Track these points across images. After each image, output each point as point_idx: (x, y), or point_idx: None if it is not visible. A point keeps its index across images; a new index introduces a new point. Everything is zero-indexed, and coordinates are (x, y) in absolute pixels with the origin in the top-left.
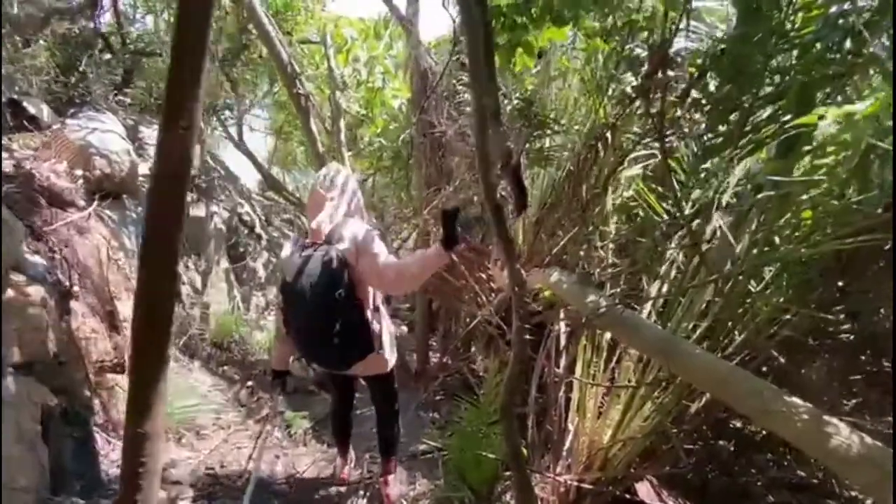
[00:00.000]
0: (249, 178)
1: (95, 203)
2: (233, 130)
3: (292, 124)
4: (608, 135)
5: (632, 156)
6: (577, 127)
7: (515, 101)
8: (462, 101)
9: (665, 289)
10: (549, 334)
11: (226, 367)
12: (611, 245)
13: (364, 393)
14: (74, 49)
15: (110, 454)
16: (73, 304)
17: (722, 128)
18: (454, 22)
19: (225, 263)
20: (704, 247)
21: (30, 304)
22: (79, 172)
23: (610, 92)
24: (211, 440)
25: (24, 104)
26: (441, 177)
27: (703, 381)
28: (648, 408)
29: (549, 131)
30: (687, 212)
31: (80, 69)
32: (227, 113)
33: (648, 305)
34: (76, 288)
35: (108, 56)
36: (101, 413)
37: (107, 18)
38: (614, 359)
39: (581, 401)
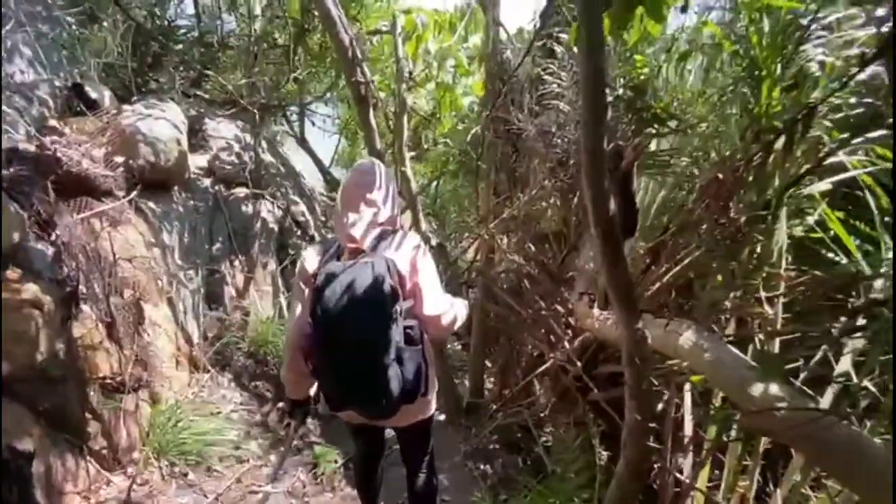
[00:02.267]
0: (315, 177)
1: (134, 193)
2: (296, 127)
3: (359, 123)
4: (799, 128)
5: (828, 161)
6: (705, 125)
7: (621, 90)
8: (546, 94)
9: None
10: (666, 414)
11: (258, 383)
12: (782, 297)
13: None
14: (146, 38)
15: (101, 490)
16: (83, 308)
17: None
18: None
19: (273, 265)
20: None
21: (18, 303)
22: (119, 159)
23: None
24: (222, 479)
25: (87, 88)
26: (513, 184)
27: None
28: None
29: (665, 129)
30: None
31: (151, 58)
32: (293, 108)
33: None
34: (83, 289)
35: (179, 47)
36: (101, 438)
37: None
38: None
39: None
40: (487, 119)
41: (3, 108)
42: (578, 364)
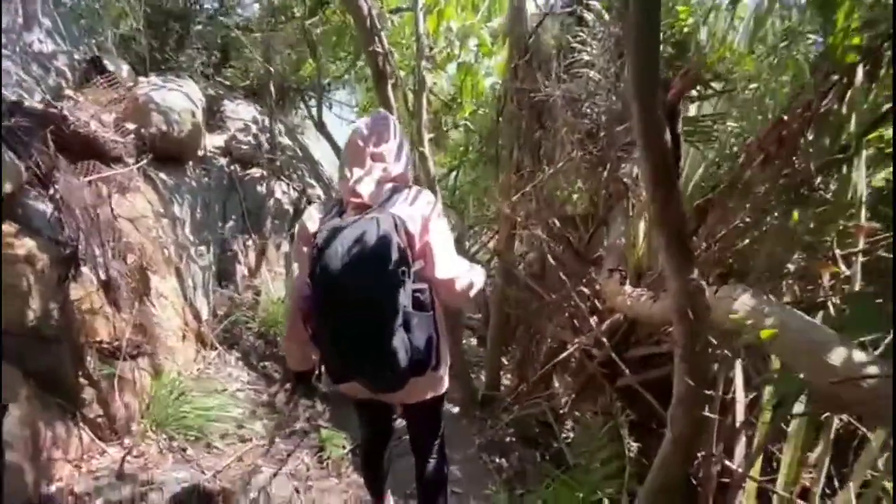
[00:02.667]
0: (333, 163)
1: (144, 161)
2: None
3: (377, 104)
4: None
5: None
6: (754, 87)
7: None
8: (575, 62)
9: None
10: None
11: (267, 363)
12: (860, 255)
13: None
14: (168, 16)
15: (93, 460)
16: (84, 270)
17: None
18: None
19: (286, 246)
20: None
21: (11, 258)
22: (130, 126)
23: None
24: (222, 457)
25: (105, 61)
26: (537, 159)
27: None
28: None
29: (709, 91)
30: None
31: (174, 37)
32: (311, 93)
33: None
34: (84, 249)
35: (199, 27)
36: (96, 406)
37: None
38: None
39: None
40: (510, 87)
41: (21, 74)
42: (607, 346)
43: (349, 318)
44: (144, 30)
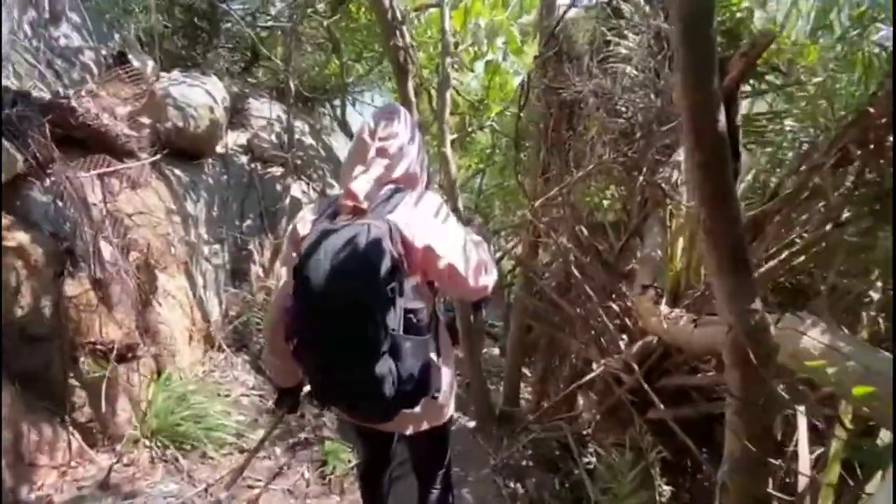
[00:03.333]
0: None
1: (158, 157)
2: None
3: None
4: None
5: None
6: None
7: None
8: (610, 56)
9: None
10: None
11: None
12: None
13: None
14: (197, 15)
15: (80, 468)
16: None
17: None
18: None
19: None
20: None
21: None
22: (145, 121)
23: None
24: (216, 468)
25: (129, 56)
26: (566, 161)
27: None
28: None
29: (764, 86)
30: None
31: (203, 35)
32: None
33: None
34: (83, 245)
35: (227, 26)
36: (88, 410)
37: None
38: None
39: None
40: (537, 83)
41: (42, 68)
42: (636, 372)
43: (330, 338)
44: (173, 27)
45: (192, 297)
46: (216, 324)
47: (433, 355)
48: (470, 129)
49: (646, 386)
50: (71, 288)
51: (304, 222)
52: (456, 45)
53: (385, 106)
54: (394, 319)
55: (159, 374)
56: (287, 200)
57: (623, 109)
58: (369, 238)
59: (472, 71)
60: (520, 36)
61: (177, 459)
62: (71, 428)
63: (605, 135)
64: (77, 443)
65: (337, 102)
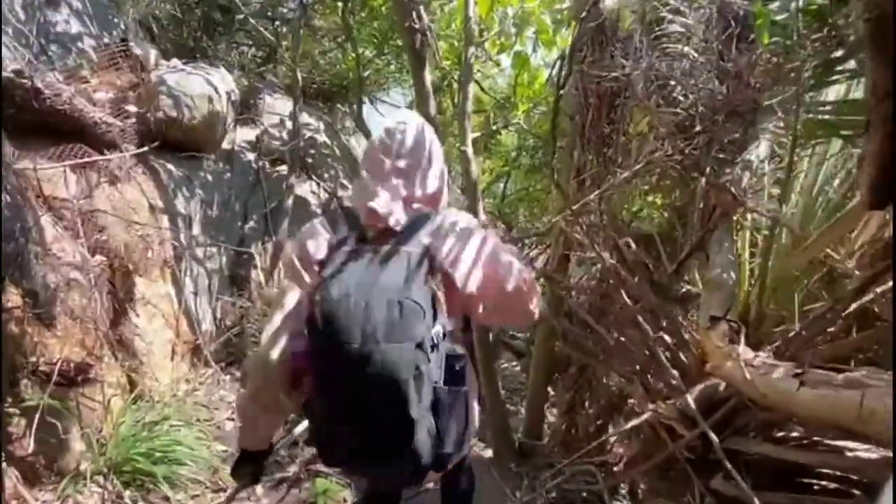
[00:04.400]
0: None
1: (146, 148)
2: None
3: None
4: None
5: None
6: None
7: None
8: (663, 36)
9: None
10: None
11: None
12: None
13: None
14: (212, 6)
15: None
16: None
17: None
18: None
19: None
20: None
21: None
22: (131, 108)
23: None
24: None
25: (131, 44)
26: (605, 161)
27: None
28: None
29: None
30: None
31: (217, 27)
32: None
33: None
34: (36, 248)
35: (241, 16)
36: (27, 443)
37: None
38: None
39: None
40: (574, 70)
41: (32, 53)
42: (703, 425)
43: (358, 395)
44: (186, 17)
45: (179, 305)
46: (206, 335)
47: (473, 402)
48: (494, 128)
49: (716, 445)
50: (14, 298)
51: (318, 243)
52: (481, 32)
53: (402, 120)
54: (435, 369)
55: (132, 394)
56: (294, 201)
57: (680, 98)
58: (407, 271)
59: (498, 65)
60: (552, 25)
61: (135, 502)
62: (6, 464)
63: (655, 128)
64: (12, 482)
65: (355, 99)
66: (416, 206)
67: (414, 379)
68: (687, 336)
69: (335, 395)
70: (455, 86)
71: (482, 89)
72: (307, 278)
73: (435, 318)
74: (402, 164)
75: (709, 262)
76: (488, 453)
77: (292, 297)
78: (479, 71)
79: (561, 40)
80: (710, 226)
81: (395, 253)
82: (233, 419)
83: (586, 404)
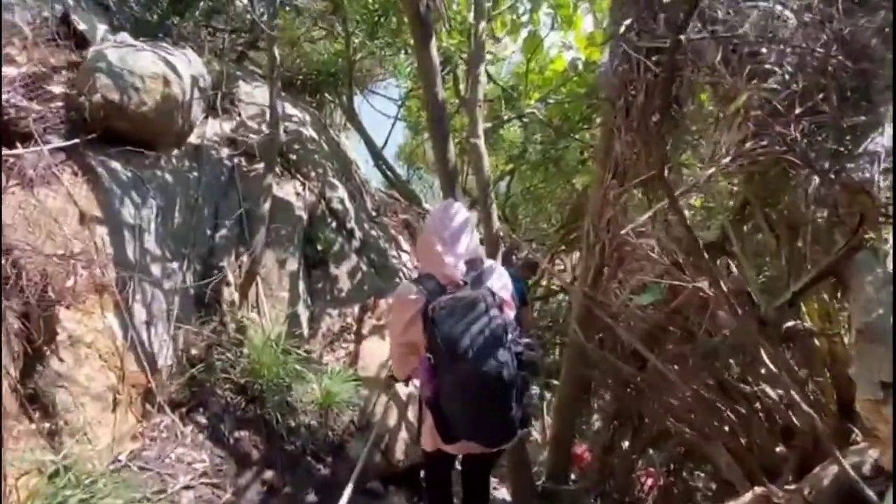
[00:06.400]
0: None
1: (77, 140)
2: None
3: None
4: None
5: None
6: None
7: None
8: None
9: None
10: None
11: (243, 434)
12: None
13: None
14: None
15: None
16: None
17: None
18: None
19: (294, 264)
20: None
21: None
22: (56, 90)
23: None
24: None
25: (73, 17)
26: (661, 152)
27: None
28: None
29: None
30: None
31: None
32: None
33: None
34: None
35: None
36: None
37: None
38: None
39: None
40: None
41: None
42: None
43: (479, 390)
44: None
45: (124, 340)
46: (162, 374)
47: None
48: (506, 118)
49: None
50: None
51: (409, 297)
52: (490, 8)
53: (451, 203)
54: (513, 362)
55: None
56: (274, 204)
57: (775, 69)
58: (485, 305)
59: (511, 44)
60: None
61: None
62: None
63: (737, 111)
64: None
65: (345, 90)
66: (468, 263)
67: (508, 371)
68: (808, 392)
69: (463, 390)
70: (459, 72)
71: (489, 76)
72: (415, 317)
73: (507, 330)
74: (462, 237)
75: (851, 297)
76: (503, 493)
77: (400, 330)
78: (489, 52)
79: (578, 19)
80: (852, 242)
81: (475, 296)
82: (192, 486)
83: (626, 443)
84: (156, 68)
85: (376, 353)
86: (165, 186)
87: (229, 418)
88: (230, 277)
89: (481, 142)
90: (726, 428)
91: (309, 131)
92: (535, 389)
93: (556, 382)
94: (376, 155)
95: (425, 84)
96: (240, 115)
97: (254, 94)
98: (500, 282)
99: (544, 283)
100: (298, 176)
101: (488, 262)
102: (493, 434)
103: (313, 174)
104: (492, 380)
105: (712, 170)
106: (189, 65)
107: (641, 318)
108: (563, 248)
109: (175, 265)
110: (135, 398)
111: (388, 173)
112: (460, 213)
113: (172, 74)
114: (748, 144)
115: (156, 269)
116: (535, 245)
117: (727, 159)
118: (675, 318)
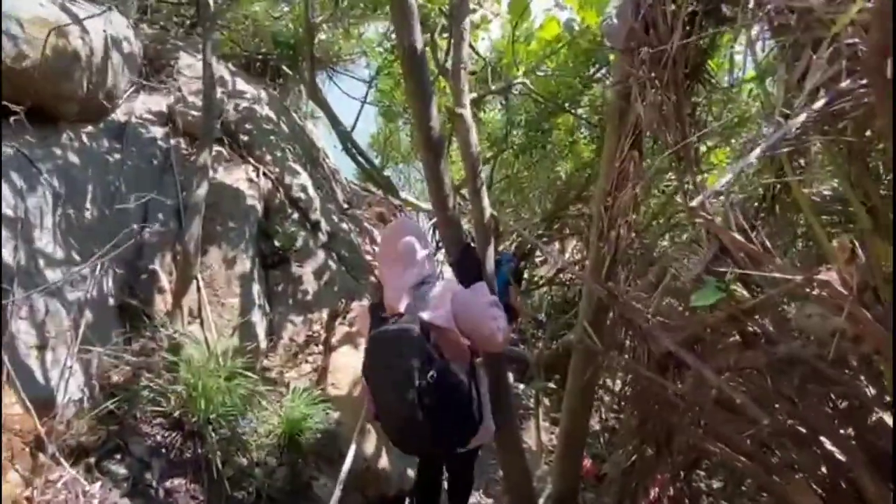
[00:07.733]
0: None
1: None
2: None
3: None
4: None
5: None
6: None
7: None
8: None
9: None
10: None
11: (176, 481)
12: None
13: None
14: None
15: None
16: None
17: None
18: None
19: (248, 263)
20: None
21: None
22: None
23: None
24: None
25: None
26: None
27: None
28: None
29: None
30: None
31: None
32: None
33: None
34: None
35: None
36: None
37: None
38: None
39: None
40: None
41: None
42: None
43: (400, 427)
44: None
45: (11, 370)
46: (62, 414)
47: (474, 392)
48: (493, 87)
49: None
50: None
51: (365, 320)
52: None
53: (394, 224)
54: (428, 397)
55: None
56: (223, 193)
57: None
58: (402, 344)
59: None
60: None
61: None
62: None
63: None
64: None
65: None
66: (412, 288)
67: (418, 414)
68: None
69: (384, 421)
70: (437, 38)
71: (471, 48)
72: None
73: (430, 358)
74: (393, 260)
75: None
76: None
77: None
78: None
79: None
80: None
81: (397, 329)
82: None
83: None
84: (43, 13)
85: (349, 366)
86: (68, 169)
87: (158, 463)
88: (164, 282)
89: (468, 112)
90: (820, 466)
91: (265, 110)
92: (521, 386)
93: (551, 385)
94: (345, 137)
95: (399, 31)
96: (180, 90)
97: (198, 67)
98: (438, 306)
99: (526, 276)
100: (251, 159)
101: (437, 286)
102: (431, 451)
103: (269, 157)
104: (403, 419)
105: (802, 116)
106: (109, 24)
107: (686, 321)
108: (548, 237)
109: (86, 270)
110: (18, 450)
111: (360, 158)
112: (404, 240)
113: (73, 26)
114: (845, 82)
115: (53, 276)
116: (518, 233)
117: (819, 103)
118: (737, 320)
